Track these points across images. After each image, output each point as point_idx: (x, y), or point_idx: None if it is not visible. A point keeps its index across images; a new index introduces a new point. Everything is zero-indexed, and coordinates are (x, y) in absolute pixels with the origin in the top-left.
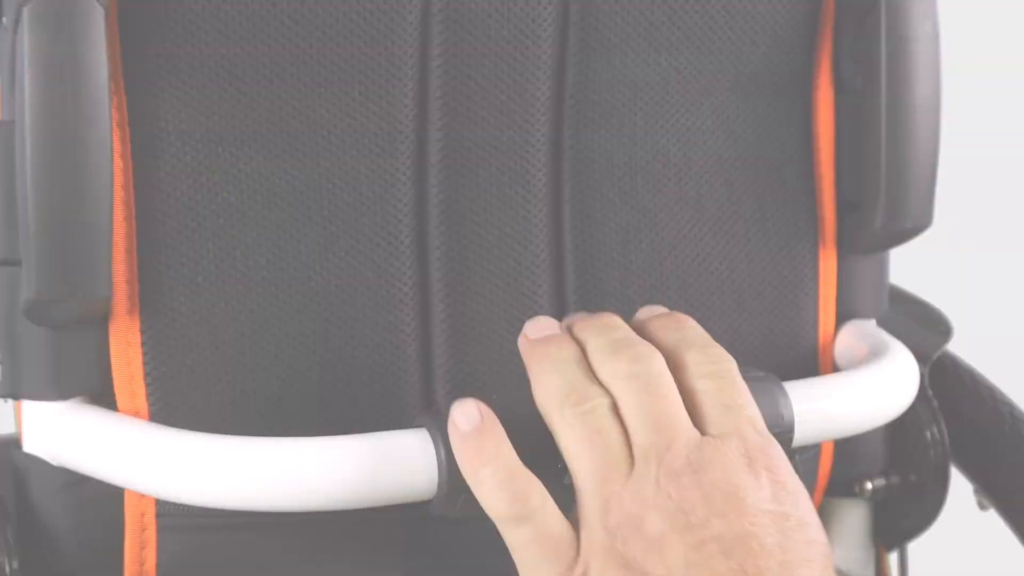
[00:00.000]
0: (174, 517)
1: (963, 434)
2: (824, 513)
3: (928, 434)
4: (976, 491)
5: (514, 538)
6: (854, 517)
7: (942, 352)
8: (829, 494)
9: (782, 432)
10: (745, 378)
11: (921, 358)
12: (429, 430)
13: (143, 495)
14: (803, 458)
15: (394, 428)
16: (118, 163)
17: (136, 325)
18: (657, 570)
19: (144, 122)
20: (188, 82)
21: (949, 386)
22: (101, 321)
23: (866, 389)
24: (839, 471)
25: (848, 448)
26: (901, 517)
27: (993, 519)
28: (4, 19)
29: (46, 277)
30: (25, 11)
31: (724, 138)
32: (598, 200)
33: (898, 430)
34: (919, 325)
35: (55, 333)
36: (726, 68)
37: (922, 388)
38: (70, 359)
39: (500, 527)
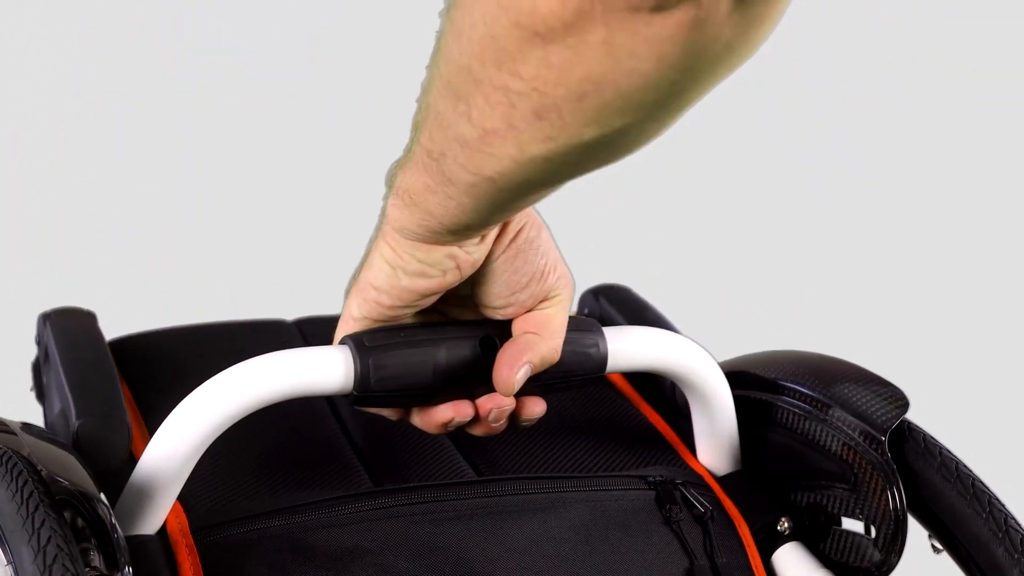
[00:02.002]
0: (205, 533)
1: (917, 488)
2: (778, 571)
3: (887, 494)
4: (930, 536)
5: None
6: (796, 559)
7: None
8: (767, 551)
9: (598, 356)
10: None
11: (881, 429)
12: (347, 343)
13: (181, 530)
14: (718, 519)
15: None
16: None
17: None
18: None
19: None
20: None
21: (905, 446)
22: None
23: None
24: (748, 515)
25: (739, 494)
26: (863, 565)
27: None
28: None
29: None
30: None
31: None
32: None
33: (860, 490)
34: (878, 398)
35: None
36: None
37: (883, 454)
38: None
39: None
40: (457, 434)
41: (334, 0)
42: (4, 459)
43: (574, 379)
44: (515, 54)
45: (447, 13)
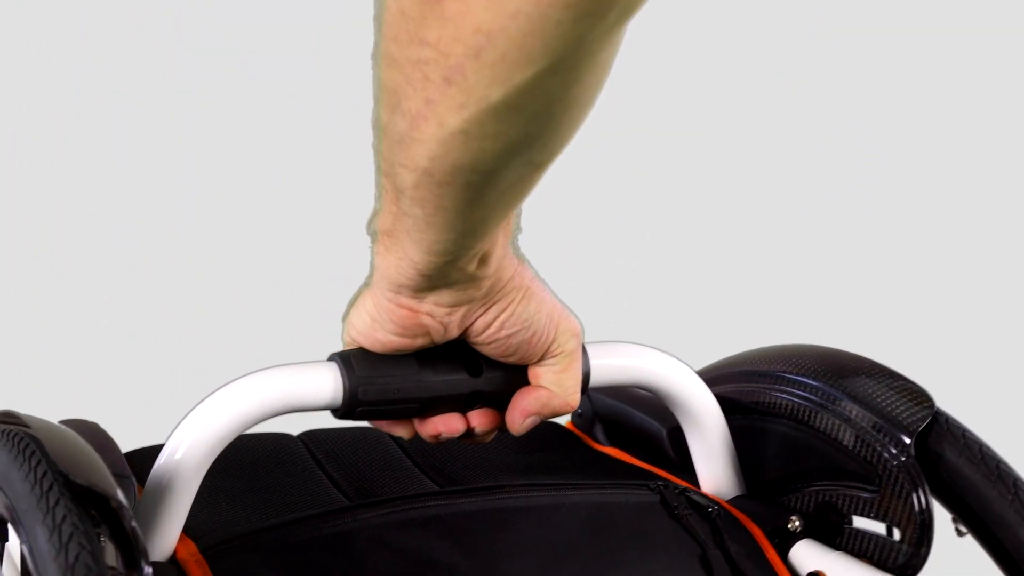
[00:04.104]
0: (212, 551)
1: (940, 470)
2: (797, 567)
3: (913, 497)
4: (953, 519)
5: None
6: (813, 551)
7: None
8: (782, 551)
9: (583, 371)
10: None
11: (907, 431)
12: (335, 360)
13: (189, 552)
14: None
15: None
16: None
17: None
18: None
19: None
20: None
21: (927, 428)
22: None
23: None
24: (758, 521)
25: (745, 508)
26: (892, 564)
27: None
28: None
29: None
30: None
31: None
32: None
33: (884, 493)
34: (901, 397)
35: None
36: None
37: (909, 457)
38: None
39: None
40: (414, 450)
41: (334, 0)
42: (16, 440)
43: None
44: (419, 20)
45: (376, 20)
